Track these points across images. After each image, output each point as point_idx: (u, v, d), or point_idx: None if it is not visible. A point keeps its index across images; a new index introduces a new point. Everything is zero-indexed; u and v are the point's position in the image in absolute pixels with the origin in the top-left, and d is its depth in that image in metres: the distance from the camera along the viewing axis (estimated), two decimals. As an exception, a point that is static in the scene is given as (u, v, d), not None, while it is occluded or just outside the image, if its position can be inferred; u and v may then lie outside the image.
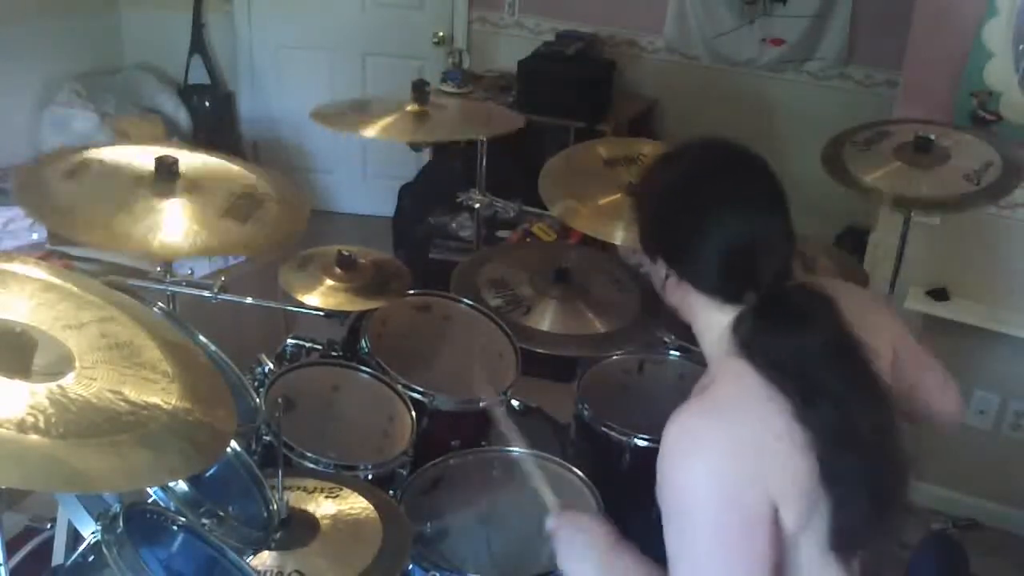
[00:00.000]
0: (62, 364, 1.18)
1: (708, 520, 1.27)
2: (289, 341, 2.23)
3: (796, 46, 3.92)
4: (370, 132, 2.28)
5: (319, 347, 2.24)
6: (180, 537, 1.41)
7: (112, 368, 1.21)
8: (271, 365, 2.07)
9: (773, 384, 1.30)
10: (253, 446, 1.85)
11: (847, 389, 1.31)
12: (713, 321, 1.39)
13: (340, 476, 1.82)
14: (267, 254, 3.12)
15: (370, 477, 1.87)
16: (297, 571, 1.56)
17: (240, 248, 1.91)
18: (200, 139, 4.32)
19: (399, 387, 2.04)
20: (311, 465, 1.83)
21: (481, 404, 2.07)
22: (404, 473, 1.93)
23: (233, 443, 1.56)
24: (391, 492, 1.86)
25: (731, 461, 1.26)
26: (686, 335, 2.35)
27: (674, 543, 1.32)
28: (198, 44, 4.50)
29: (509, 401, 2.16)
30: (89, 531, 1.30)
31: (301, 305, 2.09)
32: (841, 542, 1.33)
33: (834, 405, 1.29)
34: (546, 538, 1.68)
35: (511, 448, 2.00)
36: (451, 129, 2.48)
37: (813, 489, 1.29)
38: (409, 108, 2.38)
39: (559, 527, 1.54)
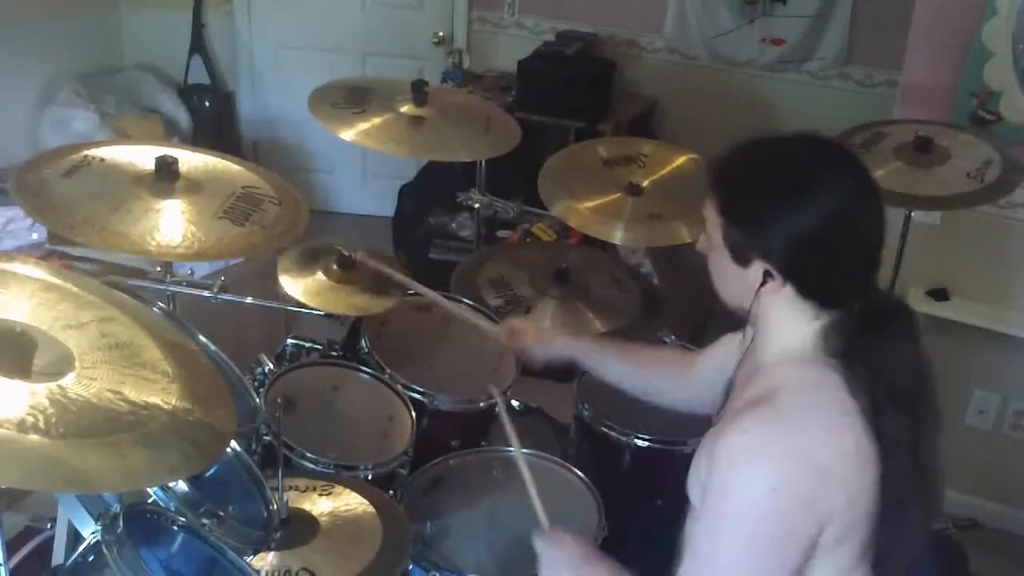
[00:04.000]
0: (62, 364, 1.18)
1: (749, 531, 1.26)
2: (289, 341, 2.23)
3: (796, 46, 3.91)
4: (367, 140, 2.27)
5: (319, 347, 2.24)
6: (180, 537, 1.41)
7: (112, 368, 1.21)
8: (271, 365, 2.07)
9: (858, 392, 1.28)
10: (253, 446, 1.85)
11: (923, 401, 1.33)
12: (800, 328, 1.35)
13: (339, 476, 1.82)
14: (266, 255, 3.13)
15: (370, 477, 1.87)
16: (305, 569, 1.56)
17: (237, 252, 1.90)
18: (200, 139, 4.32)
19: (399, 387, 2.04)
20: (311, 465, 1.83)
21: (482, 404, 2.07)
22: (404, 473, 1.93)
23: (233, 443, 1.56)
24: (391, 492, 1.86)
25: (796, 482, 1.24)
26: (686, 335, 2.37)
27: (702, 541, 1.31)
28: (198, 44, 4.50)
29: (509, 402, 2.16)
30: (89, 531, 1.31)
31: (301, 305, 2.09)
32: (884, 556, 1.33)
33: (911, 416, 1.30)
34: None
35: (511, 448, 2.00)
36: (445, 146, 2.41)
37: (865, 505, 1.28)
38: (405, 109, 2.36)
39: (548, 545, 1.54)
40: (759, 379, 1.37)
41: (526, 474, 1.64)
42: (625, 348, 1.94)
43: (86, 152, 1.90)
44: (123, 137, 3.85)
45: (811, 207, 1.29)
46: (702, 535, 1.32)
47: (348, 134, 2.25)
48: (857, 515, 1.28)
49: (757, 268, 1.33)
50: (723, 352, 1.68)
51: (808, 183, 1.31)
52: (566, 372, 2.71)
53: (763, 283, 1.33)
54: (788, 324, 1.36)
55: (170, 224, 1.78)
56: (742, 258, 1.34)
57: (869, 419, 1.27)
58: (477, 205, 2.60)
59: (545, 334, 2.02)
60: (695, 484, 1.41)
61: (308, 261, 2.16)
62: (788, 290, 1.33)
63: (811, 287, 1.33)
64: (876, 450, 1.27)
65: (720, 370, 1.62)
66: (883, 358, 1.31)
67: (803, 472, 1.25)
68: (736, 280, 1.36)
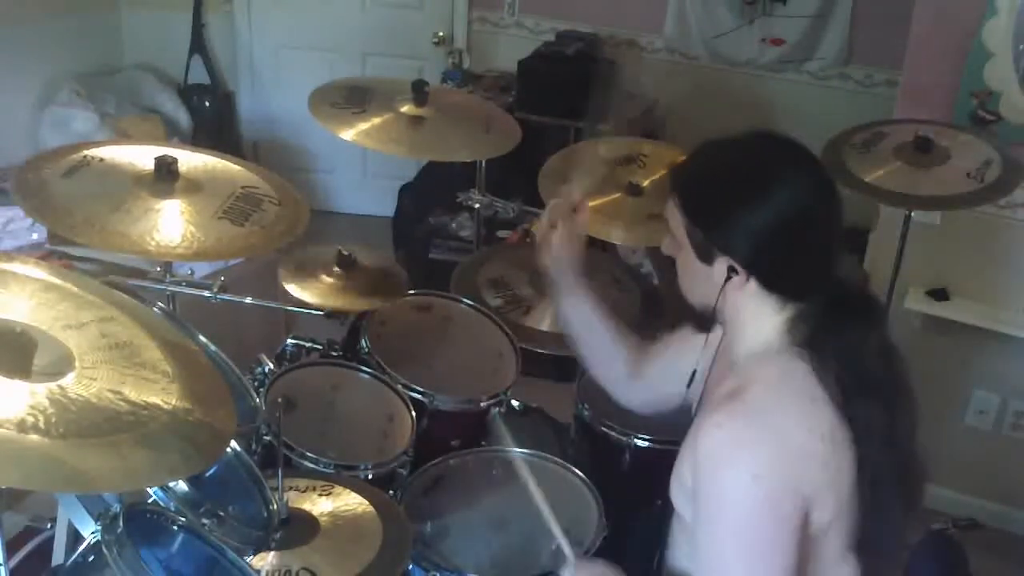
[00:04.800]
0: (62, 364, 1.18)
1: (743, 526, 1.28)
2: (289, 341, 2.23)
3: (796, 46, 3.92)
4: (367, 140, 2.27)
5: (319, 347, 2.24)
6: (180, 537, 1.41)
7: (112, 368, 1.21)
8: (271, 365, 2.07)
9: (827, 379, 1.30)
10: (253, 446, 1.85)
11: (894, 387, 1.34)
12: (767, 322, 1.37)
13: (339, 476, 1.82)
14: (266, 255, 3.12)
15: (370, 477, 1.87)
16: (305, 569, 1.56)
17: (236, 252, 1.90)
18: (200, 139, 4.32)
19: (399, 387, 2.04)
20: (311, 465, 1.83)
21: (482, 404, 2.07)
22: (404, 473, 1.93)
23: (233, 443, 1.56)
24: (391, 492, 1.86)
25: (778, 469, 1.26)
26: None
27: (704, 543, 1.33)
28: (198, 44, 4.50)
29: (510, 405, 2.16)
30: (89, 531, 1.31)
31: (301, 305, 2.09)
32: (868, 543, 1.34)
33: (883, 402, 1.31)
34: (545, 538, 1.68)
35: (511, 448, 2.00)
36: (445, 146, 2.40)
37: (846, 490, 1.30)
38: (405, 109, 2.36)
39: None
40: (732, 376, 1.39)
41: (546, 511, 1.63)
42: (607, 313, 1.83)
43: (86, 152, 1.89)
44: (123, 137, 3.85)
45: (769, 201, 1.32)
46: (702, 539, 1.34)
47: (348, 134, 2.25)
48: (840, 501, 1.30)
49: (721, 264, 1.36)
50: (677, 348, 1.67)
51: (765, 178, 1.34)
52: (566, 372, 2.71)
53: (728, 279, 1.36)
54: (755, 318, 1.39)
55: (169, 224, 1.77)
56: (706, 255, 1.37)
57: (839, 406, 1.29)
58: (477, 205, 2.60)
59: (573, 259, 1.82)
60: (678, 490, 1.42)
61: (309, 265, 2.17)
62: (752, 285, 1.36)
63: (775, 280, 1.36)
64: (851, 435, 1.29)
65: (669, 364, 1.64)
66: (850, 346, 1.33)
67: (781, 457, 1.27)
68: (702, 278, 1.39)
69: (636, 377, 1.77)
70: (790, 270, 1.36)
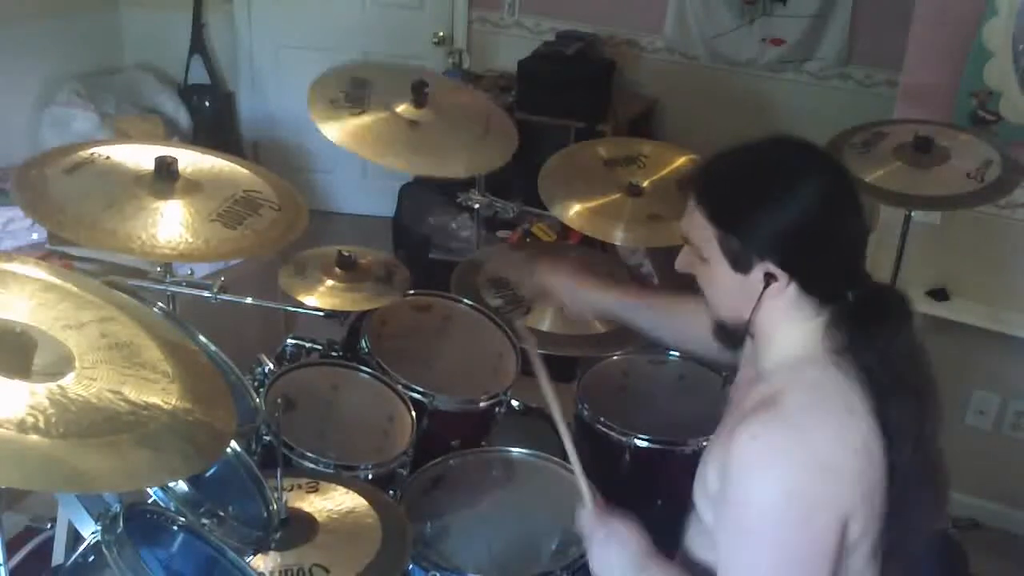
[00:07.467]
0: (62, 364, 1.18)
1: (776, 540, 1.26)
2: (289, 341, 2.23)
3: (796, 46, 3.92)
4: (364, 151, 2.27)
5: (319, 347, 2.24)
6: (180, 537, 1.41)
7: (112, 368, 1.21)
8: (271, 365, 2.07)
9: (862, 386, 1.28)
10: (253, 446, 1.85)
11: (922, 387, 1.34)
12: (801, 327, 1.35)
13: (338, 476, 1.82)
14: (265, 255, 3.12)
15: (370, 477, 1.87)
16: (318, 565, 1.56)
17: (224, 255, 1.88)
18: (200, 139, 4.32)
19: (399, 387, 2.04)
20: (311, 465, 1.83)
21: (482, 404, 2.07)
22: (404, 473, 1.93)
23: (233, 443, 1.56)
24: (391, 492, 1.86)
25: (810, 482, 1.24)
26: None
27: (731, 556, 1.31)
28: (198, 44, 4.50)
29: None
30: (89, 531, 1.31)
31: (301, 305, 2.09)
32: (893, 549, 1.33)
33: (916, 404, 1.31)
34: (546, 538, 1.68)
35: (511, 448, 2.00)
36: (441, 159, 2.36)
37: (878, 500, 1.29)
38: (402, 109, 2.35)
39: (596, 528, 1.51)
40: (761, 385, 1.36)
41: (568, 445, 1.64)
42: (647, 299, 1.89)
43: (93, 150, 1.88)
44: (123, 137, 3.85)
45: (800, 199, 1.31)
46: (728, 551, 1.32)
47: (343, 139, 2.24)
48: (872, 512, 1.29)
49: (758, 272, 1.33)
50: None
51: (791, 176, 1.33)
52: (566, 372, 2.71)
53: (766, 286, 1.33)
54: (790, 326, 1.36)
55: (159, 224, 1.76)
56: (742, 264, 1.33)
57: (875, 414, 1.28)
58: (477, 205, 2.60)
59: (575, 298, 1.91)
60: (701, 494, 1.41)
61: (309, 265, 2.17)
62: (791, 290, 1.33)
63: (813, 280, 1.33)
64: (882, 445, 1.28)
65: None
66: (884, 347, 1.31)
67: (815, 474, 1.25)
68: (736, 290, 1.36)
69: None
70: (828, 268, 1.34)
